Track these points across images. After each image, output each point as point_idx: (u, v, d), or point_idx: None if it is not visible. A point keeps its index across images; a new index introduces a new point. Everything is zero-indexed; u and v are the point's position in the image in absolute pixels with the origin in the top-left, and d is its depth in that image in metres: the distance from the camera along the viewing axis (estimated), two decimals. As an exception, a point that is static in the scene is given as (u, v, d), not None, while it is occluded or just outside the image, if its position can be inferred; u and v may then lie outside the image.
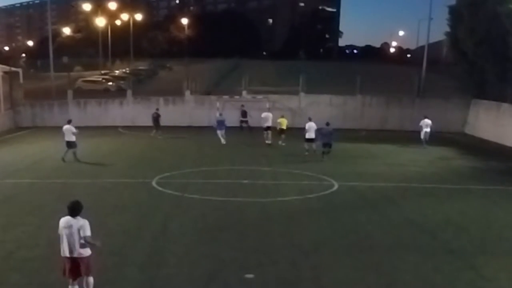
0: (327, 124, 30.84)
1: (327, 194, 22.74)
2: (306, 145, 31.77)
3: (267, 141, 35.35)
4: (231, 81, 58.43)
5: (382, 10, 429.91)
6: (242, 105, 43.20)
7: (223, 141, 35.22)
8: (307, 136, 31.82)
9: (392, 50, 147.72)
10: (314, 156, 30.72)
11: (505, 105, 39.60)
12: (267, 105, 41.72)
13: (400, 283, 13.49)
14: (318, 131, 31.29)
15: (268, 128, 35.72)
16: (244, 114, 42.39)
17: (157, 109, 40.72)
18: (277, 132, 35.44)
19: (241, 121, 42.29)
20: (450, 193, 23.43)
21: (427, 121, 35.86)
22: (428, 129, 35.57)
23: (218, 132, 35.62)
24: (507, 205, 21.55)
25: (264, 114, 36.86)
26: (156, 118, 39.65)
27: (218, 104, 42.43)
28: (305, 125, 32.05)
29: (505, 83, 41.29)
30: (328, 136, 30.42)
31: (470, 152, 34.79)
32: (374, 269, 14.33)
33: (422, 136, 35.62)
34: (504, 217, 20.01)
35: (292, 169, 27.24)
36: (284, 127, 35.58)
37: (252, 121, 41.47)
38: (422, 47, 63.37)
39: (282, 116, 36.10)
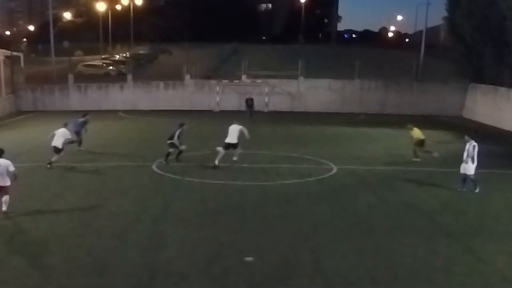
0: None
1: (326, 177, 22.86)
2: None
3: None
4: (231, 66, 58.35)
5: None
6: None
7: None
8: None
9: (390, 34, 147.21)
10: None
11: (503, 89, 39.71)
12: (266, 89, 41.73)
13: (399, 266, 13.64)
14: None
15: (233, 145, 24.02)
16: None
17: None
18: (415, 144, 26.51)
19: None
20: (447, 176, 23.46)
21: None
22: None
23: None
24: (504, 189, 21.63)
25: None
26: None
27: (217, 88, 42.45)
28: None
29: (502, 67, 41.39)
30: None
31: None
32: (372, 252, 14.50)
33: None
34: (500, 200, 20.08)
35: (290, 152, 27.31)
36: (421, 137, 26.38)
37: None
38: (420, 32, 63.39)
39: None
